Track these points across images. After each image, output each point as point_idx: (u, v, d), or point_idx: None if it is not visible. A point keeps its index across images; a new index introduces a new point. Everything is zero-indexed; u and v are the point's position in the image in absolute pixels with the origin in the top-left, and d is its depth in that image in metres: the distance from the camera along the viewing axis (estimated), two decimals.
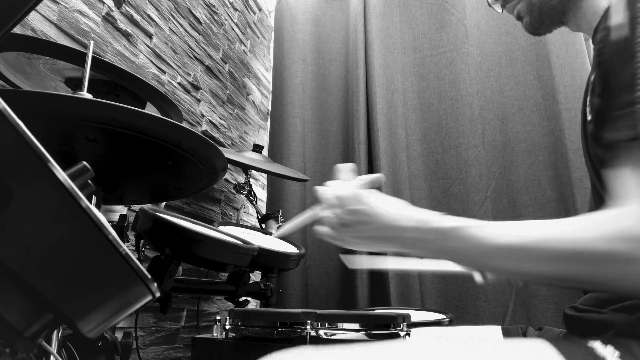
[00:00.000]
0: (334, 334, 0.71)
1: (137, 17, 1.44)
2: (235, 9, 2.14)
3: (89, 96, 0.75)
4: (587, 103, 0.68)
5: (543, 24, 0.81)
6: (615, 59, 0.58)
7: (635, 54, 0.54)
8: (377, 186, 0.71)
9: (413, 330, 0.77)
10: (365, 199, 0.65)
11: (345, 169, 0.75)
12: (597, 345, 0.51)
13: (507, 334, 0.88)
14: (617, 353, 0.49)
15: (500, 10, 0.89)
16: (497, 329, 0.90)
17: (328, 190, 0.70)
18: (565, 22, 0.81)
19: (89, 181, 0.34)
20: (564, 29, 0.84)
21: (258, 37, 2.40)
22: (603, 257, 0.48)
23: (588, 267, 0.50)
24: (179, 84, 1.65)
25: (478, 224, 0.58)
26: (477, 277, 0.93)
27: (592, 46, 0.82)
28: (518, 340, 0.59)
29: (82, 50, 0.87)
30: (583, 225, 0.52)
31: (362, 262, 1.17)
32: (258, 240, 1.34)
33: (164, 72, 1.57)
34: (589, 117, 0.67)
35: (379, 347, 0.54)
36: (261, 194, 2.22)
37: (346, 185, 0.69)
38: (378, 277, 1.82)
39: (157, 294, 0.33)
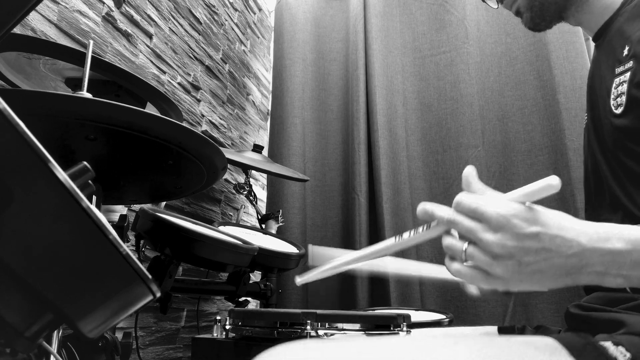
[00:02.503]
0: (334, 334, 0.71)
1: (137, 17, 1.44)
2: (235, 9, 2.14)
3: (89, 95, 0.75)
4: (615, 95, 0.65)
5: (544, 19, 0.79)
6: None
7: None
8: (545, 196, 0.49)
9: (413, 331, 0.76)
10: (543, 215, 0.47)
11: (471, 173, 0.53)
12: (608, 345, 0.50)
13: (503, 332, 0.87)
14: (628, 355, 0.48)
15: (495, 6, 0.87)
16: (493, 330, 0.89)
17: (465, 205, 0.49)
18: (565, 17, 0.80)
19: (90, 181, 0.34)
20: (565, 29, 0.83)
21: (258, 37, 2.40)
22: None
23: None
24: (179, 84, 1.65)
25: None
26: (473, 289, 0.89)
27: (592, 45, 0.82)
28: (524, 337, 0.56)
29: (82, 50, 0.87)
30: None
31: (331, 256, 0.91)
32: (258, 240, 1.34)
33: (164, 72, 1.57)
34: (617, 111, 0.65)
35: (382, 341, 0.53)
36: (261, 194, 2.22)
37: (499, 200, 0.49)
38: (378, 278, 1.82)
39: (158, 294, 0.33)
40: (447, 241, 0.50)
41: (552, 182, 0.47)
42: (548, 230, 0.46)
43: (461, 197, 0.49)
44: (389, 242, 0.58)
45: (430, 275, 0.93)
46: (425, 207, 0.52)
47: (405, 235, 0.56)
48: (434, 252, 1.85)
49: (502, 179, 1.85)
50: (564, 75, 1.80)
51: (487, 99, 1.95)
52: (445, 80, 2.03)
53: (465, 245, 0.48)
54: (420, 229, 0.54)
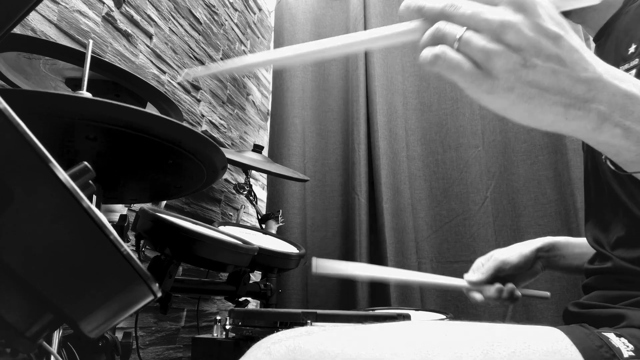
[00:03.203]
0: None
1: (137, 17, 1.44)
2: (235, 9, 2.14)
3: (89, 95, 0.75)
4: None
5: None
6: None
7: None
8: None
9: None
10: (567, 26, 0.39)
11: None
12: (611, 336, 0.50)
13: None
14: (630, 347, 0.48)
15: None
16: None
17: None
18: (568, 14, 0.80)
19: (90, 181, 0.34)
20: None
21: (258, 37, 2.40)
22: None
23: None
24: (179, 84, 1.65)
25: None
26: (477, 296, 0.90)
27: (592, 45, 0.82)
28: (528, 326, 0.56)
29: (82, 50, 0.87)
30: None
31: (336, 268, 0.89)
32: (258, 240, 1.34)
33: (164, 72, 1.57)
34: None
35: (383, 326, 0.53)
36: (261, 194, 2.22)
37: None
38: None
39: (159, 294, 0.33)
40: (438, 25, 0.39)
41: None
42: (571, 40, 0.38)
43: None
44: (350, 37, 0.44)
45: (433, 281, 0.93)
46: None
47: (373, 30, 0.44)
48: (433, 252, 1.85)
49: (502, 179, 1.85)
50: None
51: None
52: (445, 80, 2.02)
53: (463, 29, 0.38)
54: (397, 24, 0.42)
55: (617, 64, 0.67)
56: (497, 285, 0.87)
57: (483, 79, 0.38)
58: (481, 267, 0.91)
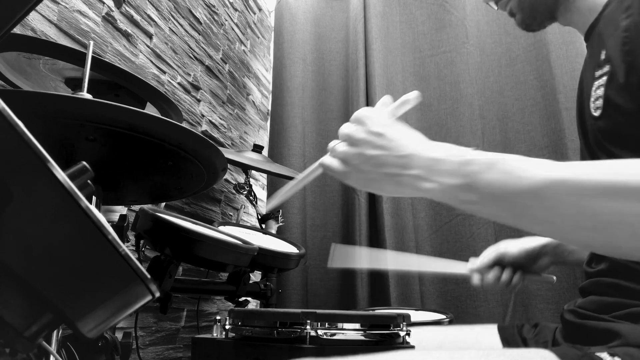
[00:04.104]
0: (334, 334, 0.71)
1: (137, 17, 1.44)
2: (235, 9, 2.14)
3: (89, 96, 0.75)
4: (594, 98, 0.66)
5: (535, 19, 0.79)
6: None
7: None
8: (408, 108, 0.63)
9: (413, 330, 0.76)
10: (393, 123, 0.58)
11: (386, 100, 0.64)
12: (605, 356, 0.50)
13: (503, 331, 0.87)
14: None
15: (496, 7, 0.88)
16: (492, 327, 0.90)
17: (358, 112, 0.60)
18: (556, 17, 0.80)
19: (89, 181, 0.34)
20: (565, 29, 0.83)
21: (258, 37, 2.40)
22: None
23: None
24: (179, 84, 1.65)
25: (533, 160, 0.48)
26: (476, 279, 0.93)
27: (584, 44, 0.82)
28: (521, 350, 0.57)
29: (82, 50, 0.87)
30: None
31: (354, 260, 1.03)
32: (258, 240, 1.34)
33: (164, 72, 1.57)
34: (595, 113, 0.66)
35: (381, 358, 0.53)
36: (261, 194, 2.22)
37: (374, 110, 0.61)
38: (378, 277, 1.82)
39: (157, 294, 0.33)
40: (332, 143, 0.62)
41: (409, 97, 0.61)
42: (391, 133, 0.56)
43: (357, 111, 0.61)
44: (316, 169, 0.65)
45: (432, 269, 0.95)
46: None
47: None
48: (433, 252, 1.85)
49: None
50: (563, 75, 1.80)
51: (487, 99, 1.95)
52: (445, 80, 2.03)
53: (337, 142, 0.60)
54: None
55: (593, 69, 0.68)
56: (497, 272, 0.89)
57: (345, 171, 0.59)
58: (483, 256, 0.94)
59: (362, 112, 0.59)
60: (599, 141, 0.66)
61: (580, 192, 0.43)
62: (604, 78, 0.63)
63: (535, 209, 0.47)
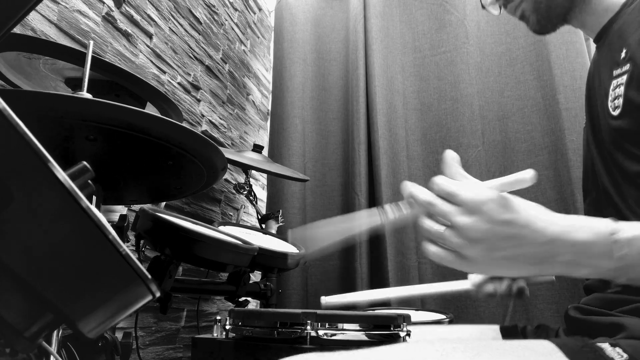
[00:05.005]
0: (334, 334, 0.71)
1: (137, 17, 1.44)
2: (235, 9, 2.14)
3: (89, 96, 0.75)
4: (612, 97, 0.65)
5: (550, 21, 0.79)
6: None
7: None
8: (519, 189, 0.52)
9: (413, 329, 0.76)
10: (516, 205, 0.49)
11: (454, 158, 0.55)
12: (605, 347, 0.50)
13: (505, 332, 0.87)
14: (625, 356, 0.49)
15: (496, 13, 0.87)
16: (495, 328, 0.89)
17: (441, 188, 0.50)
18: (569, 19, 0.79)
19: (89, 181, 0.34)
20: (565, 29, 0.83)
21: (258, 37, 2.40)
22: None
23: None
24: (179, 84, 1.65)
25: None
26: (490, 288, 0.90)
27: (592, 46, 0.82)
28: (522, 341, 0.57)
29: (82, 50, 0.87)
30: None
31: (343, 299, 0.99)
32: (258, 240, 1.34)
33: (164, 72, 1.57)
34: (614, 112, 0.65)
35: (382, 352, 0.53)
36: (261, 194, 2.22)
37: (474, 186, 0.50)
38: (378, 277, 1.82)
39: (157, 294, 0.33)
40: (427, 224, 0.51)
41: (525, 176, 0.51)
42: (520, 219, 0.48)
43: (439, 180, 0.51)
44: (375, 218, 0.58)
45: (437, 290, 0.94)
46: (406, 186, 0.54)
47: (389, 212, 0.57)
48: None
49: None
50: (564, 75, 1.80)
51: (487, 99, 1.95)
52: (445, 80, 2.03)
53: (443, 228, 0.49)
54: (402, 207, 0.56)
55: (611, 68, 0.67)
56: (505, 282, 0.88)
57: (466, 263, 0.49)
58: None
59: (468, 194, 0.48)
60: (617, 140, 0.66)
61: None
62: (624, 77, 0.63)
63: None
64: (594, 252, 0.48)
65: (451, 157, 0.55)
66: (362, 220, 0.59)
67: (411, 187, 0.53)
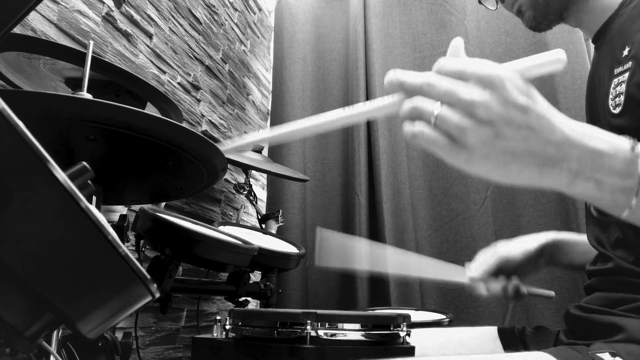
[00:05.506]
0: (334, 334, 0.71)
1: (137, 17, 1.44)
2: (235, 9, 2.14)
3: (89, 96, 0.75)
4: (613, 95, 0.65)
5: (547, 18, 0.78)
6: None
7: None
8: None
9: (413, 331, 0.76)
10: (536, 93, 0.42)
11: (460, 45, 0.47)
12: (605, 356, 0.50)
13: (503, 334, 0.87)
14: None
15: (493, 8, 0.86)
16: (493, 330, 0.89)
17: (448, 66, 0.42)
18: (565, 17, 0.79)
19: (89, 181, 0.34)
20: (565, 29, 0.83)
21: (258, 37, 2.40)
22: None
23: None
24: (179, 84, 1.65)
25: None
26: (482, 289, 0.88)
27: (592, 46, 0.82)
28: (519, 354, 0.56)
29: (82, 50, 0.87)
30: None
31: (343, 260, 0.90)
32: (258, 240, 1.34)
33: (164, 72, 1.57)
34: (615, 110, 0.64)
35: None
36: (261, 194, 2.22)
37: (490, 63, 0.41)
38: (378, 277, 1.82)
39: (157, 295, 0.33)
40: (415, 101, 0.42)
41: (560, 56, 0.42)
42: (538, 108, 0.41)
43: (445, 59, 0.42)
44: (338, 112, 0.47)
45: (432, 275, 0.92)
46: (394, 74, 0.43)
47: (359, 105, 0.46)
48: (433, 252, 1.85)
49: None
50: (563, 75, 1.80)
51: None
52: None
53: (440, 105, 0.41)
54: (380, 99, 0.45)
55: (612, 67, 0.67)
56: (502, 283, 0.87)
57: (460, 151, 0.41)
58: (484, 263, 0.90)
59: (484, 69, 0.40)
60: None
61: None
62: (626, 75, 0.63)
63: None
64: (608, 166, 0.43)
65: (458, 42, 0.47)
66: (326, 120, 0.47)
67: (399, 74, 0.43)
